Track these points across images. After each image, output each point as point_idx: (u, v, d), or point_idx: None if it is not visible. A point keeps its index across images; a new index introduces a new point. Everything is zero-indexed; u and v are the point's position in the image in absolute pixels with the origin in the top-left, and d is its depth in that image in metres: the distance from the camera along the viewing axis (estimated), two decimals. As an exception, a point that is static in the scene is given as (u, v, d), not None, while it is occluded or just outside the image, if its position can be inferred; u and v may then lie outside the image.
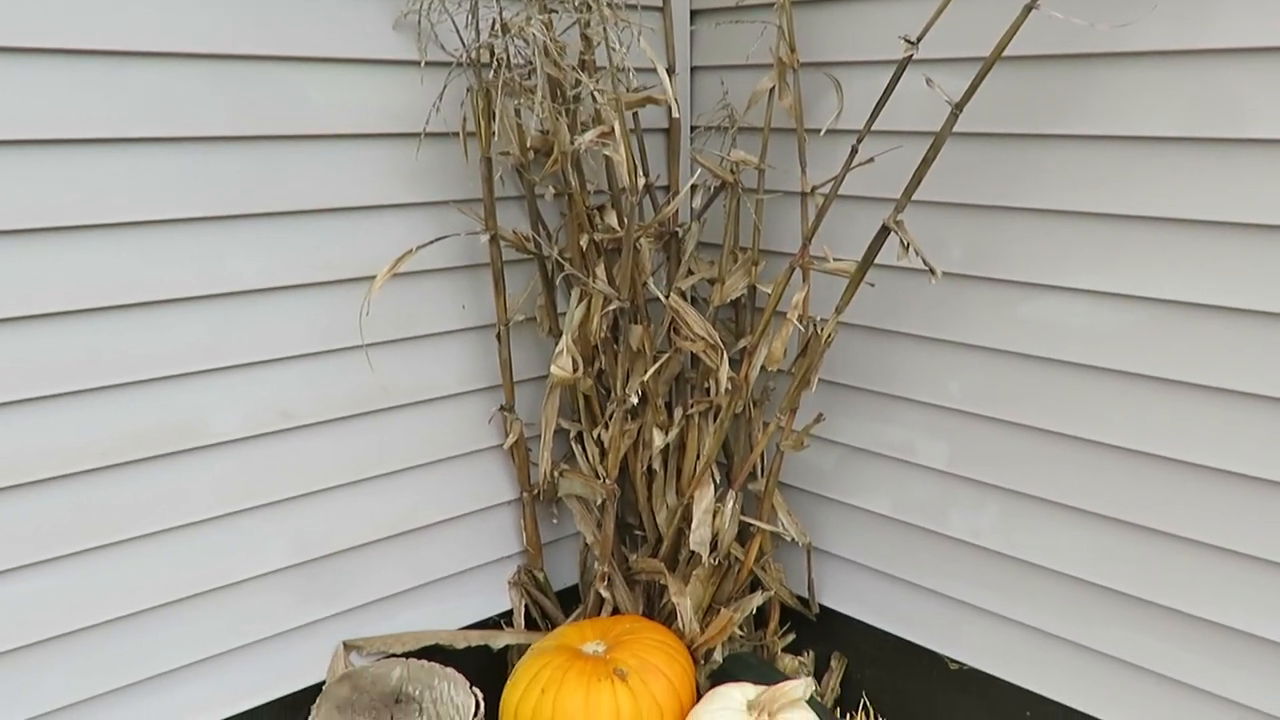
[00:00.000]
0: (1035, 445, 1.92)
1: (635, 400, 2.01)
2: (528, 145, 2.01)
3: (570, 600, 2.39)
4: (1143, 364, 1.75)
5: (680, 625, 2.10)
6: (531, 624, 2.31)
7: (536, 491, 2.23)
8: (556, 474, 2.21)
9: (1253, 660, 1.72)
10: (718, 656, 2.18)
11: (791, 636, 2.38)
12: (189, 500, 1.81)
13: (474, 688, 1.98)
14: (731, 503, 2.10)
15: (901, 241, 1.77)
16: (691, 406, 2.13)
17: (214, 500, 1.84)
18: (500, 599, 2.31)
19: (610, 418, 2.10)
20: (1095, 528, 1.87)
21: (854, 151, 1.84)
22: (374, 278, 1.88)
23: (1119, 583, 1.85)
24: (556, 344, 2.05)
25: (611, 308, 1.98)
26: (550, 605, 2.32)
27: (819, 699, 2.10)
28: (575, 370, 2.02)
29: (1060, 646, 1.96)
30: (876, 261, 1.86)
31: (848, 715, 2.23)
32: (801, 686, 1.78)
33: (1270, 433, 1.63)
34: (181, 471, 1.79)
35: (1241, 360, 1.64)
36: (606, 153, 1.79)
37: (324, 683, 2.01)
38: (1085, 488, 1.86)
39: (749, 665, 2.09)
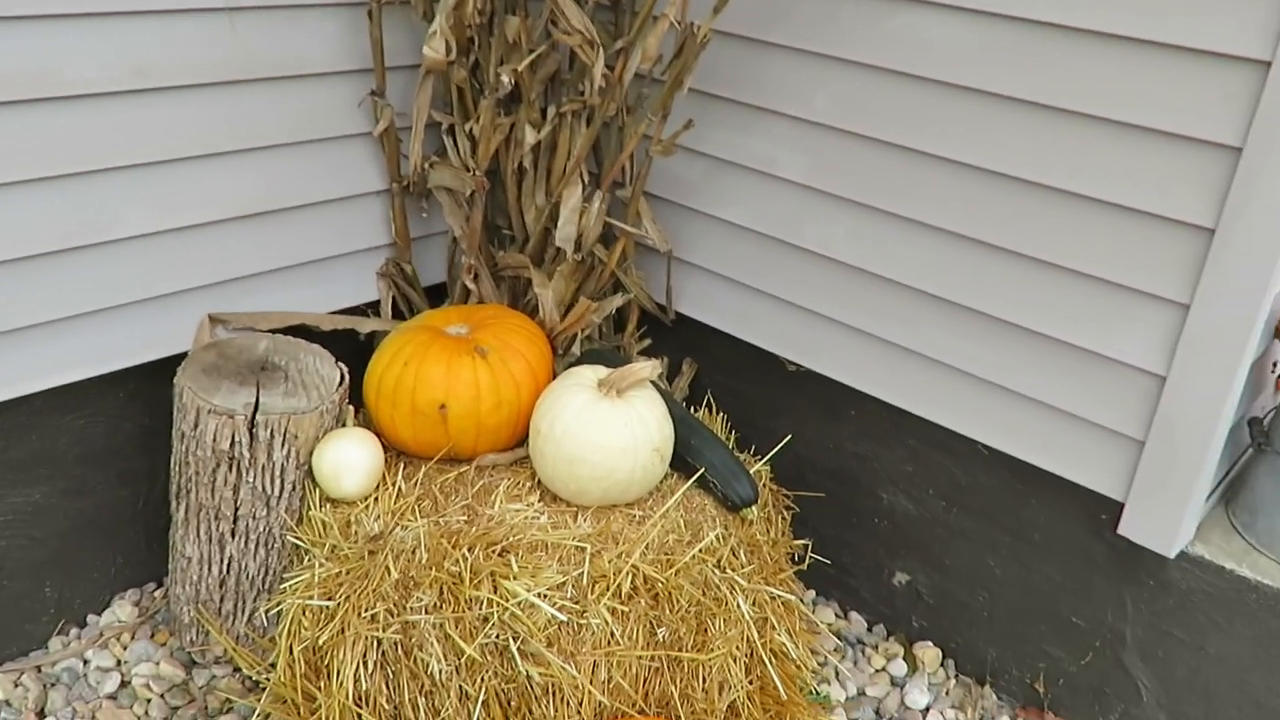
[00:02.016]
0: (891, 161, 2.02)
1: (508, 84, 2.00)
2: None
3: (438, 296, 2.46)
4: (1003, 84, 1.83)
5: (542, 316, 2.20)
6: (398, 315, 2.39)
7: (406, 183, 2.25)
8: (427, 166, 2.22)
9: (1055, 361, 1.93)
10: (576, 351, 2.31)
11: (648, 342, 2.52)
12: (47, 152, 1.77)
13: (339, 362, 2.06)
14: (598, 203, 2.16)
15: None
16: (564, 105, 2.14)
17: (71, 156, 1.80)
18: (368, 289, 2.36)
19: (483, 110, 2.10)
20: (937, 241, 2.01)
21: None
22: (235, -67, 1.79)
23: (950, 292, 2.02)
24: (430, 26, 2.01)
25: (488, -15, 1.94)
26: (417, 298, 2.39)
27: (667, 389, 2.27)
28: (448, 54, 2.00)
29: (888, 350, 2.14)
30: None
31: (690, 407, 2.42)
32: (649, 368, 1.92)
33: (1121, 157, 1.74)
34: (38, 121, 1.75)
35: (1100, 84, 1.73)
36: None
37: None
38: (934, 204, 1.98)
39: (605, 358, 2.22)
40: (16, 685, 2.01)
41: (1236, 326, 1.68)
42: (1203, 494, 1.87)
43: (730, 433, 2.43)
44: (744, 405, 2.45)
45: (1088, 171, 1.78)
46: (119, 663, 2.10)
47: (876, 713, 2.20)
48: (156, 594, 2.25)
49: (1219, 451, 1.82)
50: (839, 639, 2.35)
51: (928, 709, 2.21)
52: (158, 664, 2.09)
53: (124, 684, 2.06)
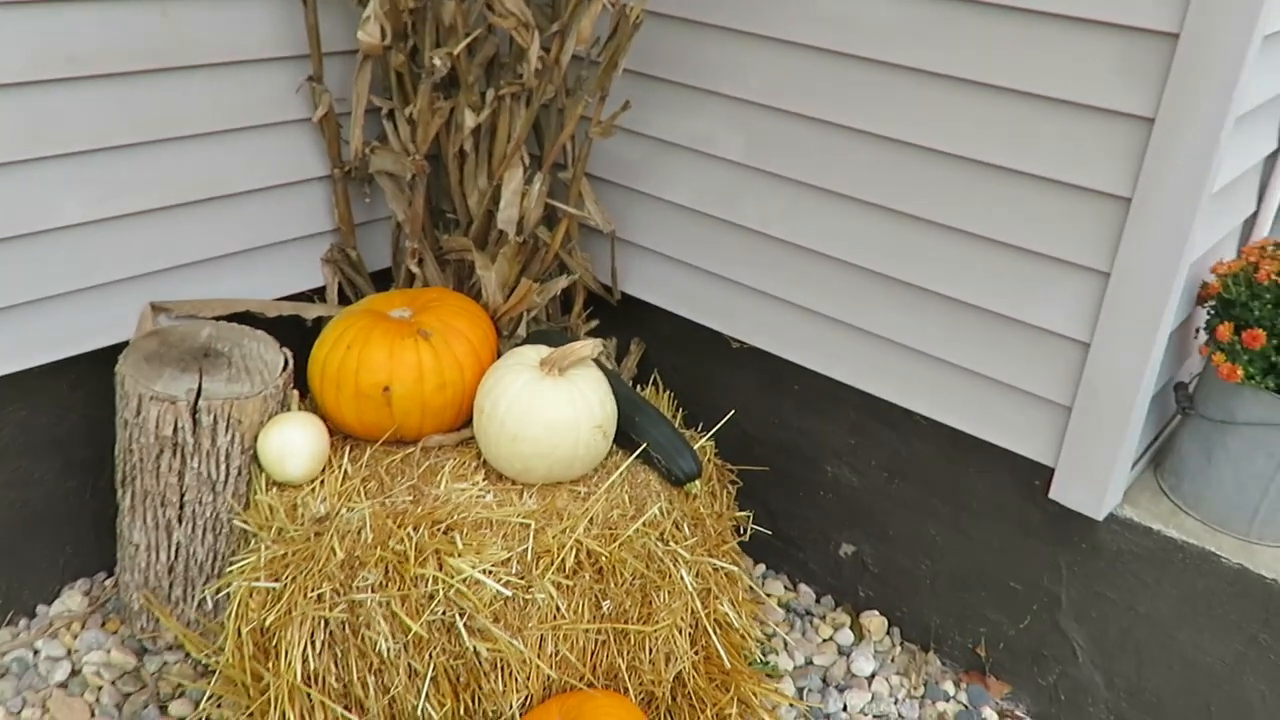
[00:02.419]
0: (825, 138, 2.05)
1: (441, 67, 2.01)
2: None
3: (384, 281, 2.47)
4: (928, 60, 1.87)
5: (486, 299, 2.22)
6: (344, 300, 2.39)
7: (348, 169, 2.25)
8: (368, 151, 2.22)
9: (986, 331, 1.97)
10: (522, 332, 2.33)
11: (595, 322, 2.55)
12: (-27, 142, 1.77)
13: (283, 348, 2.07)
14: (539, 184, 2.18)
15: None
16: (503, 88, 2.15)
17: (3, 145, 1.79)
18: (314, 275, 2.36)
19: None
20: (870, 216, 2.04)
21: None
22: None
23: (883, 266, 2.06)
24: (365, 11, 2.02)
25: (421, -30, 1.95)
26: (363, 283, 2.40)
27: (615, 369, 2.30)
28: (384, 39, 2.00)
29: (828, 325, 2.18)
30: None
31: (638, 386, 2.45)
32: (589, 346, 1.94)
33: (1041, 130, 1.78)
34: (-39, 112, 1.74)
35: (1020, 59, 1.77)
36: None
37: (132, 340, 2.06)
38: (865, 179, 2.02)
39: (551, 339, 2.24)
40: (-35, 677, 2.02)
41: (1154, 293, 1.73)
42: (1129, 457, 1.92)
43: (677, 410, 2.46)
44: (690, 383, 2.49)
45: (1011, 145, 1.82)
46: (69, 652, 2.10)
47: (823, 680, 2.25)
48: (107, 583, 2.25)
49: (1143, 415, 1.87)
50: (788, 611, 2.39)
51: (873, 676, 2.26)
52: (109, 652, 2.09)
53: (75, 673, 2.06)
